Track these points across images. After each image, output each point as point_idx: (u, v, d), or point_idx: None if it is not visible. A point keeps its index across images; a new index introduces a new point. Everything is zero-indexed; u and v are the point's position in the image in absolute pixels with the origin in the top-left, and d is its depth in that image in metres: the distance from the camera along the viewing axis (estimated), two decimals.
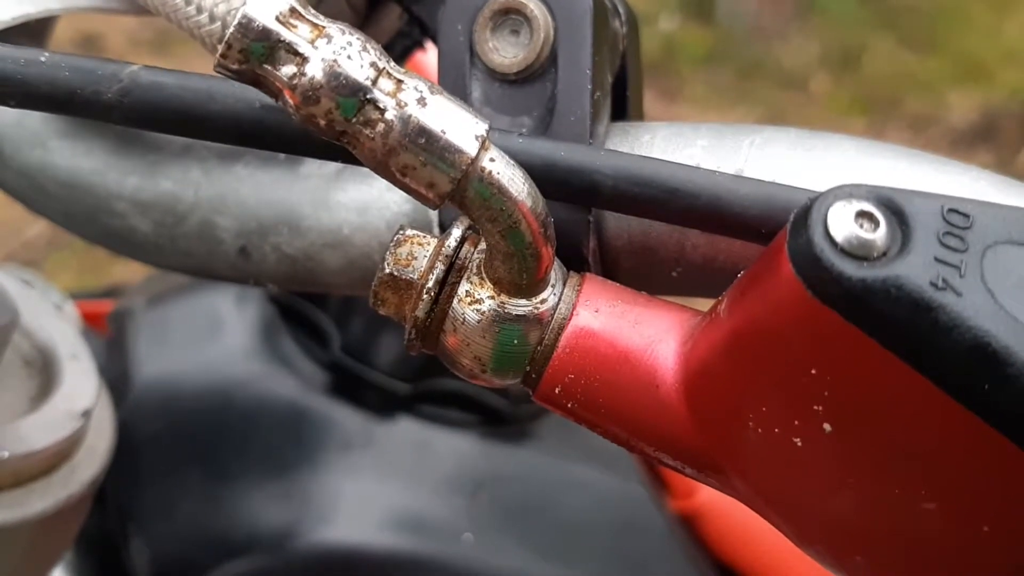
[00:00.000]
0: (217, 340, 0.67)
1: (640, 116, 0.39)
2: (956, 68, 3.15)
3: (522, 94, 0.33)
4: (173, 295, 0.71)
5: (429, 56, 0.52)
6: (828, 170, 0.32)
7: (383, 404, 0.64)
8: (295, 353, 0.66)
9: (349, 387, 0.64)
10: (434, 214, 0.35)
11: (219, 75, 0.27)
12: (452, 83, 0.34)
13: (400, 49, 0.43)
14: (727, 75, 3.07)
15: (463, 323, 0.30)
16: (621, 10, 0.36)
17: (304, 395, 0.64)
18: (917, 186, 0.32)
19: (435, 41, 0.37)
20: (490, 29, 0.33)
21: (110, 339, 0.70)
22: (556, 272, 0.30)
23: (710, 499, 0.71)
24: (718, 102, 2.95)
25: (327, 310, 0.66)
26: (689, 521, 0.71)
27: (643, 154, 0.34)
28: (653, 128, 0.35)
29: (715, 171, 0.30)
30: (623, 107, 0.38)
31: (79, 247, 1.93)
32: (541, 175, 0.30)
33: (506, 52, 0.33)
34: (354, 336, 0.65)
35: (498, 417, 0.65)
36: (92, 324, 0.65)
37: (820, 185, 0.30)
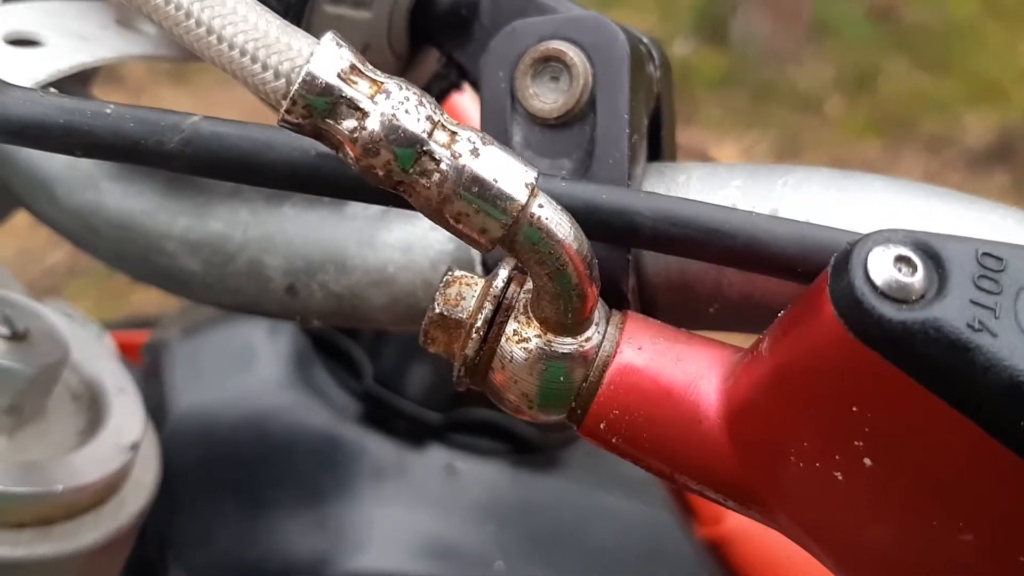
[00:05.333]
0: (251, 371, 0.68)
1: (673, 156, 0.41)
2: (971, 89, 3.15)
3: (562, 138, 0.35)
4: (207, 326, 0.72)
5: (465, 97, 0.53)
6: (860, 210, 0.33)
7: (415, 433, 0.65)
8: (328, 383, 0.67)
9: (381, 417, 0.65)
10: (477, 252, 0.37)
11: (277, 126, 0.28)
12: (494, 128, 0.35)
13: (437, 90, 0.45)
14: (742, 98, 3.08)
15: (511, 361, 0.31)
16: (655, 54, 0.38)
17: (337, 425, 0.65)
18: (946, 224, 0.33)
19: (476, 86, 0.38)
20: (531, 76, 0.35)
21: (145, 370, 0.71)
22: (600, 310, 0.31)
23: (737, 526, 0.71)
24: (733, 125, 2.96)
25: (359, 341, 0.67)
26: (717, 548, 0.71)
27: (679, 195, 0.35)
28: (688, 169, 0.36)
29: (751, 212, 0.31)
30: (658, 148, 0.39)
31: (99, 275, 1.95)
32: (583, 217, 0.31)
33: (546, 98, 0.35)
34: (386, 366, 0.66)
35: (528, 446, 0.66)
36: (125, 354, 0.67)
37: (853, 225, 0.31)
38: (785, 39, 3.23)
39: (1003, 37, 3.42)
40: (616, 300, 0.33)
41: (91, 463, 0.43)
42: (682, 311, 0.36)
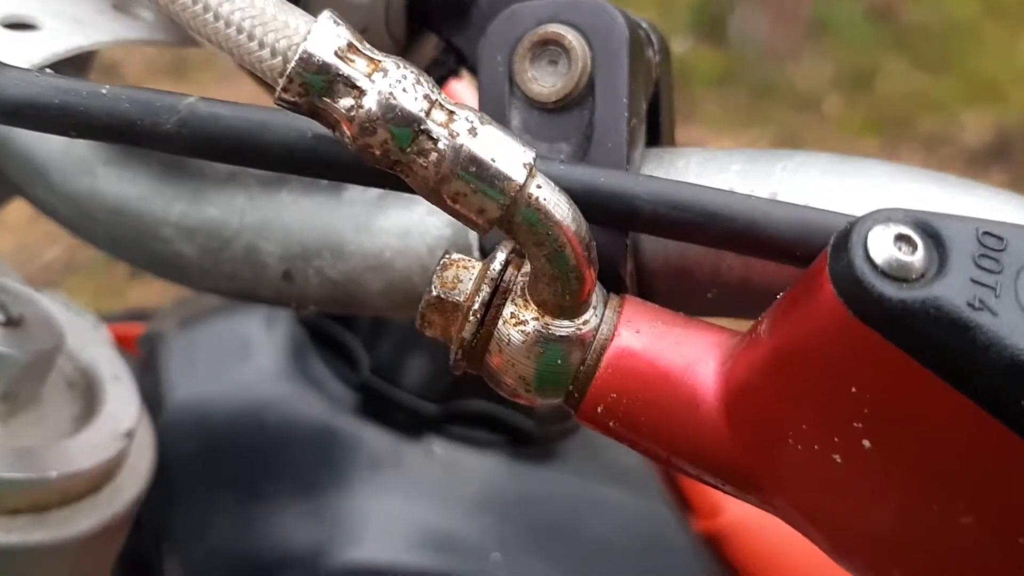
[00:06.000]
0: (247, 362, 0.68)
1: (672, 141, 0.41)
2: (969, 88, 3.16)
3: (560, 122, 0.34)
4: (203, 318, 0.72)
5: (463, 84, 0.53)
6: (859, 194, 0.33)
7: (412, 425, 0.65)
8: (324, 374, 0.67)
9: (378, 408, 0.65)
10: (474, 238, 0.36)
11: (274, 107, 0.28)
12: (492, 111, 0.35)
13: (436, 77, 0.44)
14: (740, 96, 3.08)
15: (508, 344, 0.31)
16: (654, 39, 0.38)
17: (333, 416, 0.65)
18: (947, 209, 0.32)
19: (473, 71, 0.38)
20: (529, 59, 0.35)
21: (142, 361, 0.71)
22: (598, 294, 0.31)
23: (735, 519, 0.71)
24: (731, 123, 2.96)
25: (356, 332, 0.67)
26: (713, 541, 0.71)
27: (678, 179, 0.35)
28: (687, 153, 0.36)
29: (751, 196, 0.31)
30: (656, 133, 0.39)
31: (96, 270, 1.95)
32: (582, 200, 0.31)
33: (545, 81, 0.34)
34: (383, 357, 0.66)
35: (525, 438, 0.66)
36: (121, 347, 0.66)
37: (852, 209, 0.31)
38: (784, 38, 3.23)
39: (1002, 37, 3.42)
40: (614, 284, 0.33)
41: (86, 450, 0.43)
42: (680, 296, 0.35)
